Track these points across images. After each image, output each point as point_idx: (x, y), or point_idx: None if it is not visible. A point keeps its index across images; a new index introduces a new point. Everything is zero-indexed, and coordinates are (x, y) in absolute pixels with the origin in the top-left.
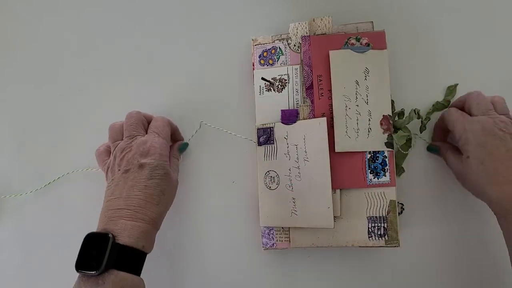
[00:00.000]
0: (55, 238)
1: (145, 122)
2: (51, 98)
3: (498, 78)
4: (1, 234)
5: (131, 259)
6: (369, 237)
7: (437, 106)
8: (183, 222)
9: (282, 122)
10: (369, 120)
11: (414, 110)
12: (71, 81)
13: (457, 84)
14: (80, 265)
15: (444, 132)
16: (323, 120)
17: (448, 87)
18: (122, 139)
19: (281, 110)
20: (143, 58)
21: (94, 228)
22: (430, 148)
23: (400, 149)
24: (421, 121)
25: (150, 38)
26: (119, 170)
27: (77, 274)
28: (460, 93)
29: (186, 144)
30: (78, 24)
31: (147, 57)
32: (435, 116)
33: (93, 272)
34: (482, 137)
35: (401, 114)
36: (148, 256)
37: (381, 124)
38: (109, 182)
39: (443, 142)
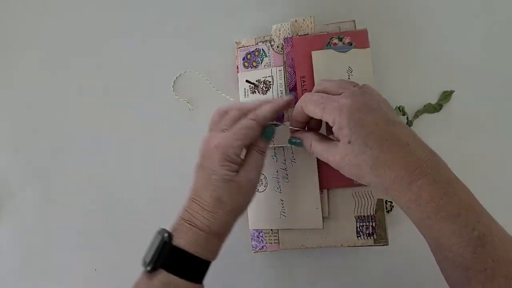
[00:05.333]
0: (55, 238)
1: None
2: (51, 98)
3: (497, 76)
4: (1, 234)
5: (181, 263)
6: (358, 236)
7: (428, 108)
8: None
9: None
10: None
11: (399, 108)
12: (71, 81)
13: (453, 91)
14: (143, 258)
15: (303, 121)
16: None
17: (444, 92)
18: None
19: None
20: (135, 58)
21: (93, 229)
22: (293, 142)
23: None
24: (407, 117)
25: (141, 40)
26: None
27: (75, 275)
28: (454, 98)
29: (271, 130)
30: (78, 24)
31: (135, 58)
32: (424, 115)
33: (144, 268)
34: (357, 115)
35: None
36: None
37: None
38: None
39: (304, 132)
